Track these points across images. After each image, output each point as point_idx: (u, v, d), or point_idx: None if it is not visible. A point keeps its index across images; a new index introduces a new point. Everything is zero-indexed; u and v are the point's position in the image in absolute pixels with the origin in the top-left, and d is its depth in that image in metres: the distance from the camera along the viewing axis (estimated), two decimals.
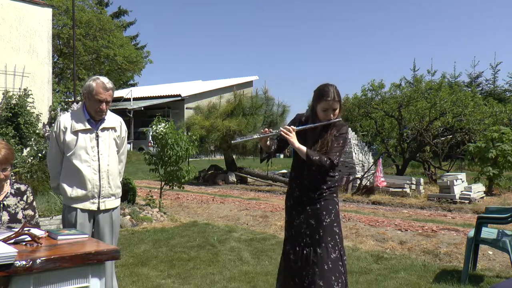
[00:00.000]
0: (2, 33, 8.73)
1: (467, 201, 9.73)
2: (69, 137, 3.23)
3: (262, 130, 3.17)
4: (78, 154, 3.21)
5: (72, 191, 3.22)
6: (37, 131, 8.78)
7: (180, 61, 77.28)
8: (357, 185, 11.43)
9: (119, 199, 3.46)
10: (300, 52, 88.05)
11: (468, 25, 69.83)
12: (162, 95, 30.75)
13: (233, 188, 12.70)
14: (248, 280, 4.39)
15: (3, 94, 8.62)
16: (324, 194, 3.08)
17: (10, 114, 8.47)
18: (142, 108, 28.12)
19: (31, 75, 9.07)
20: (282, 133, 3.04)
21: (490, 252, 5.18)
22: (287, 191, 3.28)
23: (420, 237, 5.95)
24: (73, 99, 12.74)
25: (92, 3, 27.60)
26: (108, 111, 3.37)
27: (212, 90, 29.12)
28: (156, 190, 9.28)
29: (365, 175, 11.72)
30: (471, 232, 4.52)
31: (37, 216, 2.99)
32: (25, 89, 8.79)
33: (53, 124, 3.82)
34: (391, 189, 10.87)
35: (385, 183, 11.05)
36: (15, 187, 2.92)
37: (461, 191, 10.13)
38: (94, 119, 3.28)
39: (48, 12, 9.54)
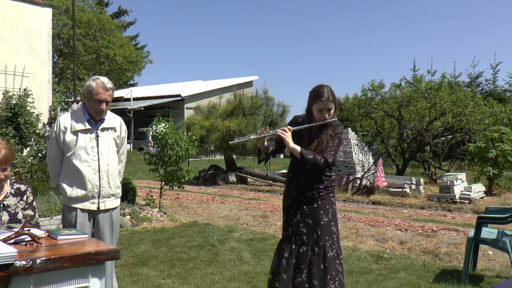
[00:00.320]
0: (2, 33, 8.73)
1: (467, 201, 9.73)
2: (69, 137, 3.23)
3: (259, 131, 3.20)
4: (78, 154, 3.21)
5: (72, 191, 3.22)
6: (37, 131, 8.78)
7: (180, 61, 77.31)
8: (357, 185, 11.43)
9: (119, 199, 3.46)
10: (300, 52, 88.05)
11: (468, 25, 69.85)
12: (162, 95, 30.75)
13: (233, 188, 12.70)
14: (248, 280, 4.39)
15: (3, 94, 8.62)
16: (321, 194, 3.10)
17: (10, 114, 8.47)
18: (142, 108, 28.12)
19: (31, 75, 9.07)
20: (278, 133, 3.08)
21: (490, 252, 5.18)
22: (285, 191, 3.31)
23: (420, 237, 5.95)
24: (73, 99, 12.75)
25: (92, 3, 27.60)
26: (108, 111, 3.37)
27: (212, 90, 29.12)
28: (156, 190, 9.28)
29: (365, 175, 11.72)
30: (471, 232, 4.52)
31: (37, 216, 2.99)
32: (25, 89, 8.79)
33: (53, 124, 3.82)
34: (391, 189, 10.87)
35: (385, 183, 11.05)
36: (15, 187, 2.92)
37: (461, 191, 10.13)
38: (94, 119, 3.28)
39: (48, 12, 9.54)
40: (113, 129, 3.36)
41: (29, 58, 9.08)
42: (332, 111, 3.10)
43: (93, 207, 3.26)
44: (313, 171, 3.09)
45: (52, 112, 9.34)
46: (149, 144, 18.82)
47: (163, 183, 8.48)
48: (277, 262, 3.15)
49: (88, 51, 25.25)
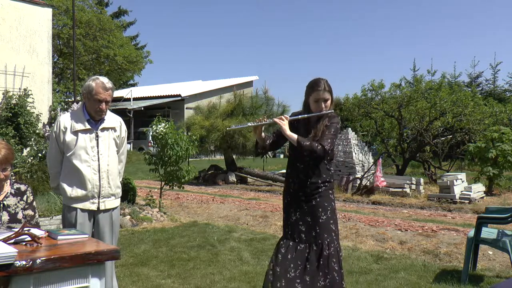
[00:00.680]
0: (2, 33, 8.73)
1: (467, 201, 9.73)
2: (69, 137, 3.23)
3: (256, 119, 3.24)
4: (78, 154, 3.21)
5: (72, 191, 3.22)
6: (37, 131, 8.78)
7: (180, 61, 77.35)
8: (357, 185, 11.43)
9: (119, 199, 3.46)
10: (300, 52, 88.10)
11: (468, 25, 69.90)
12: (162, 95, 30.75)
13: (233, 188, 12.70)
14: (248, 280, 4.39)
15: (3, 94, 8.62)
16: (320, 190, 3.11)
17: (10, 114, 8.47)
18: (142, 108, 28.12)
19: (31, 75, 9.07)
20: (275, 120, 3.12)
21: (490, 252, 5.18)
22: (284, 189, 3.33)
23: (420, 237, 5.95)
24: (73, 99, 12.74)
25: (92, 3, 27.59)
26: (108, 111, 3.37)
27: (212, 90, 29.12)
28: (156, 190, 9.28)
29: (365, 175, 11.72)
30: (471, 232, 4.52)
31: (37, 216, 2.99)
32: (25, 89, 8.79)
33: (53, 124, 3.82)
34: (391, 189, 10.87)
35: (384, 183, 11.04)
36: (15, 187, 2.92)
37: (461, 191, 10.13)
38: (94, 119, 3.28)
39: (48, 12, 9.53)
40: (113, 129, 3.36)
41: (29, 58, 9.08)
42: (329, 102, 3.14)
43: (93, 207, 3.26)
44: (311, 165, 3.10)
45: (52, 112, 9.34)
46: (149, 144, 18.83)
47: (163, 183, 8.48)
48: (274, 256, 3.18)
49: (88, 51, 25.24)
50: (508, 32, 59.53)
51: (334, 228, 3.12)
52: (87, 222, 3.27)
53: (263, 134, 3.24)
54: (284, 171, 14.71)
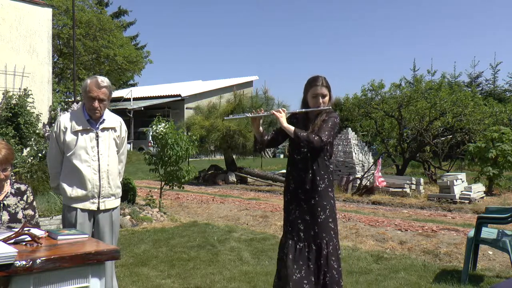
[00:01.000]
0: (2, 33, 8.73)
1: (467, 201, 9.73)
2: (69, 137, 3.23)
3: (254, 110, 3.27)
4: (78, 154, 3.21)
5: (72, 191, 3.22)
6: (37, 131, 8.78)
7: (180, 61, 77.37)
8: (357, 185, 11.43)
9: (119, 199, 3.46)
10: (300, 52, 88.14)
11: (468, 25, 69.94)
12: (162, 95, 30.75)
13: (233, 188, 12.70)
14: (248, 280, 4.39)
15: (3, 94, 8.62)
16: (319, 189, 3.11)
17: (10, 114, 8.46)
18: (142, 108, 28.12)
19: (31, 75, 9.07)
20: (273, 112, 3.17)
21: (490, 252, 5.18)
22: (284, 187, 3.35)
23: (420, 237, 5.95)
24: (73, 99, 12.74)
25: (92, 3, 27.58)
26: (108, 111, 3.37)
27: (212, 90, 29.12)
28: (156, 190, 9.28)
29: (365, 175, 11.72)
30: (471, 232, 4.52)
31: (37, 216, 2.99)
32: (25, 89, 8.79)
33: (53, 124, 3.82)
34: (391, 189, 10.87)
35: (385, 183, 11.04)
36: (15, 187, 2.92)
37: (461, 191, 10.13)
38: (93, 119, 3.28)
39: (48, 12, 9.53)
40: (113, 129, 3.36)
41: (29, 58, 9.08)
42: (327, 98, 3.17)
43: (93, 207, 3.26)
44: (310, 164, 3.12)
45: (52, 112, 9.33)
46: (149, 144, 18.84)
47: (163, 183, 8.48)
48: (280, 257, 3.21)
49: (88, 51, 25.23)
50: (508, 32, 59.57)
51: (333, 227, 3.13)
52: (87, 222, 3.27)
53: (261, 128, 3.28)
54: (284, 171, 14.75)
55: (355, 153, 13.03)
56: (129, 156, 15.79)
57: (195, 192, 11.16)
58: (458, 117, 13.30)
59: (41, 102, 9.18)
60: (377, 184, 10.95)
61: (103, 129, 3.30)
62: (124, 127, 3.49)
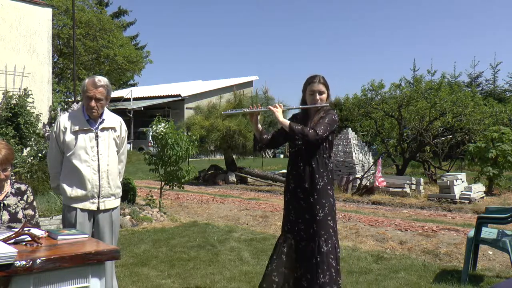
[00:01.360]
0: (2, 33, 8.73)
1: (467, 201, 9.73)
2: (69, 137, 3.23)
3: (250, 106, 3.32)
4: (77, 154, 3.21)
5: (72, 191, 3.22)
6: (37, 131, 8.77)
7: (180, 61, 77.38)
8: (357, 185, 11.43)
9: (119, 199, 3.46)
10: (300, 52, 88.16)
11: (468, 25, 69.97)
12: (162, 95, 30.75)
13: (233, 188, 12.70)
14: (248, 280, 4.39)
15: (3, 94, 8.61)
16: (318, 187, 3.12)
17: (10, 114, 8.46)
18: (142, 108, 28.12)
19: (31, 75, 9.06)
20: (270, 107, 3.21)
21: (490, 252, 5.18)
22: (284, 186, 3.38)
23: (420, 237, 5.94)
24: (73, 99, 12.74)
25: (92, 3, 27.57)
26: (108, 111, 3.38)
27: (212, 90, 29.12)
28: (156, 190, 9.28)
29: (365, 175, 11.72)
30: (471, 232, 4.52)
31: (37, 216, 2.99)
32: (25, 89, 8.78)
33: (53, 124, 3.82)
34: (391, 189, 10.87)
35: (385, 183, 11.04)
36: (15, 186, 2.92)
37: (461, 191, 10.13)
38: (92, 119, 3.28)
39: (48, 12, 9.53)
40: (113, 129, 3.36)
41: (29, 58, 9.07)
42: (324, 96, 3.20)
43: (93, 207, 3.26)
44: (309, 162, 3.13)
45: (52, 112, 9.33)
46: (149, 144, 18.84)
47: (163, 183, 8.48)
48: (277, 255, 3.20)
49: (88, 51, 25.23)
50: (508, 32, 59.59)
51: (332, 225, 3.14)
52: (87, 222, 3.27)
53: (259, 126, 3.30)
54: (284, 171, 14.77)
55: (355, 153, 13.02)
56: (129, 156, 15.76)
57: (195, 192, 11.16)
58: (458, 117, 13.30)
59: (41, 102, 9.18)
60: (377, 184, 10.95)
61: (103, 129, 3.30)
62: (124, 127, 3.49)
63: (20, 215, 2.84)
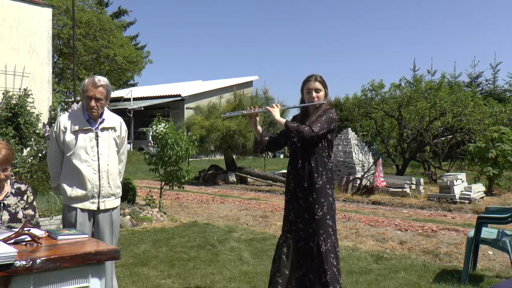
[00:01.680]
0: (2, 33, 8.73)
1: (467, 201, 9.73)
2: (69, 137, 3.23)
3: (248, 107, 3.36)
4: (77, 154, 3.21)
5: (72, 191, 3.22)
6: (37, 131, 8.77)
7: (180, 61, 77.38)
8: (357, 185, 11.43)
9: (119, 199, 3.46)
10: (300, 52, 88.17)
11: (468, 25, 69.98)
12: (162, 95, 30.74)
13: (233, 188, 12.70)
14: (248, 280, 4.39)
15: (3, 94, 8.61)
16: (317, 186, 3.13)
17: (10, 114, 8.46)
18: (142, 108, 28.11)
19: (31, 75, 9.06)
20: (267, 108, 3.24)
21: (490, 252, 5.18)
22: (285, 186, 3.40)
23: (420, 237, 5.94)
24: (73, 99, 12.74)
25: (92, 3, 27.56)
26: (108, 111, 3.38)
27: (212, 90, 29.12)
28: (156, 190, 9.28)
29: (365, 175, 11.72)
30: (471, 232, 4.52)
31: (37, 216, 2.99)
32: (25, 89, 8.78)
33: (53, 124, 3.82)
34: (391, 189, 10.87)
35: (384, 183, 11.04)
36: (15, 186, 2.92)
37: (461, 191, 10.13)
38: (92, 118, 3.28)
39: (48, 12, 9.53)
40: (113, 129, 3.36)
41: (29, 58, 9.07)
42: (321, 94, 3.23)
43: (93, 207, 3.26)
44: (308, 161, 3.15)
45: (52, 112, 9.33)
46: (149, 144, 18.82)
47: (163, 183, 8.47)
48: (278, 256, 3.22)
49: (88, 51, 25.22)
50: (508, 32, 59.59)
51: (331, 224, 3.14)
52: (87, 222, 3.27)
53: (259, 127, 3.33)
54: (284, 171, 14.78)
55: (355, 153, 13.02)
56: (129, 156, 15.76)
57: (195, 192, 11.16)
58: (458, 117, 13.30)
59: (41, 102, 9.18)
60: (377, 184, 10.95)
61: (103, 129, 3.30)
62: (124, 126, 3.49)
63: (20, 215, 2.84)
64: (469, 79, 27.64)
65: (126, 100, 29.64)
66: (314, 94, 3.20)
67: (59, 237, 2.46)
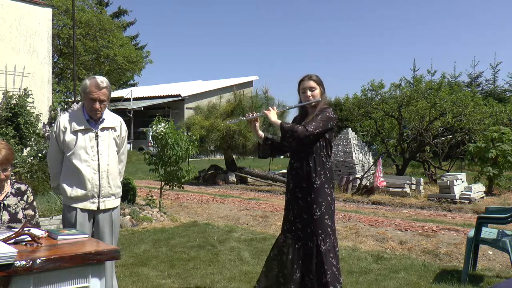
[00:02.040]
0: (2, 33, 8.72)
1: (467, 201, 9.73)
2: (69, 137, 3.23)
3: (247, 114, 3.39)
4: (77, 154, 3.21)
5: (72, 191, 3.22)
6: (37, 131, 8.77)
7: (180, 61, 77.40)
8: (357, 185, 11.43)
9: (119, 199, 3.46)
10: (300, 52, 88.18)
11: (468, 25, 70.00)
12: (162, 95, 30.75)
13: (233, 188, 12.70)
14: (248, 280, 4.39)
15: (3, 94, 8.61)
16: (315, 186, 3.14)
17: (10, 114, 8.46)
18: (142, 108, 28.11)
19: (31, 75, 9.06)
20: (264, 111, 3.28)
21: (490, 252, 5.18)
22: (285, 186, 3.42)
23: (420, 237, 5.94)
24: (73, 99, 12.74)
25: (92, 3, 27.56)
26: (108, 111, 3.37)
27: (212, 90, 29.12)
28: (156, 190, 9.28)
29: (365, 175, 11.71)
30: (471, 232, 4.52)
31: (37, 216, 2.99)
32: (25, 89, 8.78)
33: (53, 124, 3.82)
34: (391, 189, 10.86)
35: (383, 183, 11.04)
36: (15, 187, 2.92)
37: (461, 191, 10.13)
38: (93, 119, 3.28)
39: (48, 12, 9.53)
40: (113, 128, 3.36)
41: (29, 58, 9.07)
42: (316, 92, 3.24)
43: (93, 207, 3.26)
44: (307, 160, 3.15)
45: (52, 112, 9.33)
46: (149, 144, 18.83)
47: (163, 183, 8.47)
48: (275, 256, 3.23)
49: (88, 51, 25.22)
50: (508, 32, 59.62)
51: (329, 223, 3.14)
52: (87, 222, 3.27)
53: (260, 132, 3.34)
54: (284, 171, 14.78)
55: (355, 153, 13.02)
56: (129, 156, 15.76)
57: (195, 192, 11.16)
58: (458, 117, 13.29)
59: (41, 102, 9.18)
60: (377, 184, 10.95)
61: (103, 129, 3.30)
62: (124, 126, 3.49)
63: (20, 215, 2.84)
64: (469, 79, 27.65)
65: (126, 100, 29.64)
66: (309, 93, 3.22)
67: (59, 237, 2.46)
